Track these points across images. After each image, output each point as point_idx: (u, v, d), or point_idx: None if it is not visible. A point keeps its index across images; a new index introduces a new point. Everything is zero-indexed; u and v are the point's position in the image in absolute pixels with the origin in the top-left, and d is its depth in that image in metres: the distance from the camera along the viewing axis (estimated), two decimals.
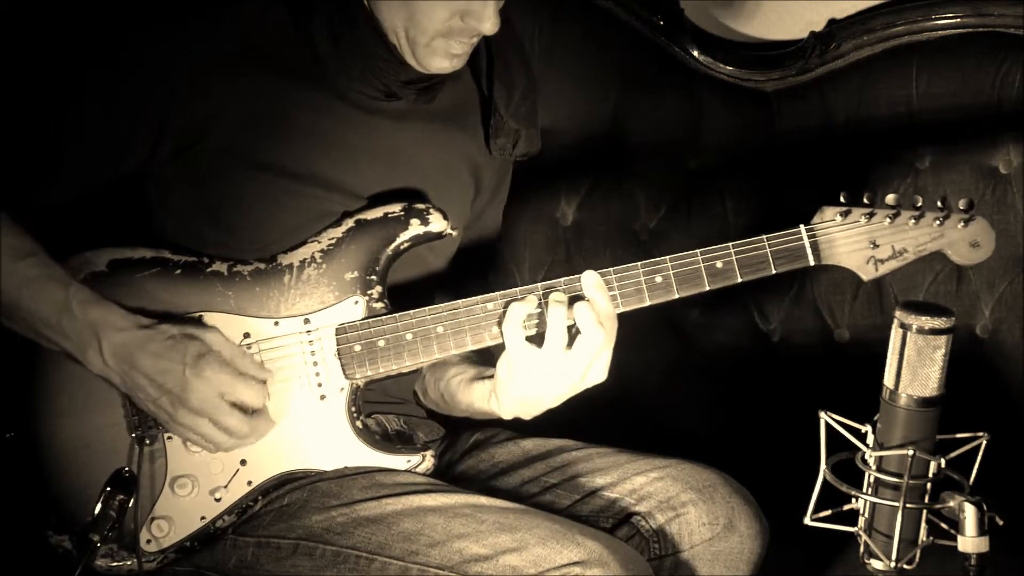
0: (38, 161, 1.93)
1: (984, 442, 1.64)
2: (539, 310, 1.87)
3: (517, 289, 1.89)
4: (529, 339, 1.85)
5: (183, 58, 1.91)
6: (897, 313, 1.62)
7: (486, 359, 2.05)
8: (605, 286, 1.87)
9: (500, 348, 1.89)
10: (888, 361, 1.63)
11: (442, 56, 1.91)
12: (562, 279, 1.90)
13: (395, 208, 1.94)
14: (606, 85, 2.68)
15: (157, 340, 1.83)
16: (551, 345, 1.83)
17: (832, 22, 2.67)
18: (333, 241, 1.93)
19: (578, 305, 1.84)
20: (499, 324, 1.87)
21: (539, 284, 1.89)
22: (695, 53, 2.70)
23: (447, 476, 2.03)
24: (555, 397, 1.88)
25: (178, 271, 1.92)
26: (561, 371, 1.84)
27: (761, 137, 2.67)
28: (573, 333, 1.85)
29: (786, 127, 2.66)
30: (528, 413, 1.93)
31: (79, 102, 1.94)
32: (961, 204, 1.89)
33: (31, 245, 1.89)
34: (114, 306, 1.85)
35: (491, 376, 1.94)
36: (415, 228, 1.93)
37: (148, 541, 1.89)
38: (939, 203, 1.89)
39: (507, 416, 1.95)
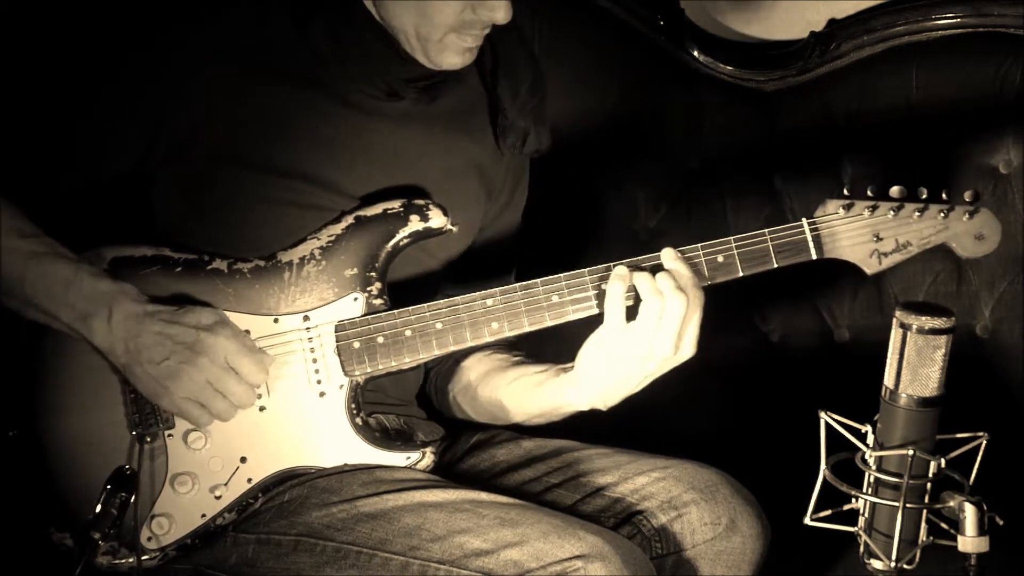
0: (36, 156, 1.94)
1: (984, 442, 1.64)
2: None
3: (517, 285, 1.89)
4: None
5: (179, 60, 1.91)
6: (897, 313, 1.62)
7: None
8: (682, 257, 1.86)
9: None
10: (888, 361, 1.63)
11: (454, 52, 1.90)
12: (625, 260, 1.88)
13: (394, 204, 1.93)
14: (606, 85, 2.68)
15: (168, 311, 1.85)
16: (645, 315, 1.81)
17: (832, 22, 2.67)
18: (332, 238, 1.93)
19: (658, 275, 1.83)
20: (597, 302, 1.87)
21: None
22: (695, 53, 2.70)
23: (447, 476, 2.01)
24: (644, 375, 1.87)
25: (178, 269, 1.92)
26: (654, 345, 1.82)
27: (761, 137, 2.68)
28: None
29: (786, 127, 2.67)
30: (611, 399, 1.91)
31: (76, 101, 1.94)
32: (966, 196, 1.89)
33: (33, 229, 1.90)
34: (128, 283, 1.87)
35: (565, 370, 1.93)
36: (415, 224, 1.93)
37: (149, 538, 1.88)
38: (943, 195, 1.88)
39: (585, 407, 1.93)
